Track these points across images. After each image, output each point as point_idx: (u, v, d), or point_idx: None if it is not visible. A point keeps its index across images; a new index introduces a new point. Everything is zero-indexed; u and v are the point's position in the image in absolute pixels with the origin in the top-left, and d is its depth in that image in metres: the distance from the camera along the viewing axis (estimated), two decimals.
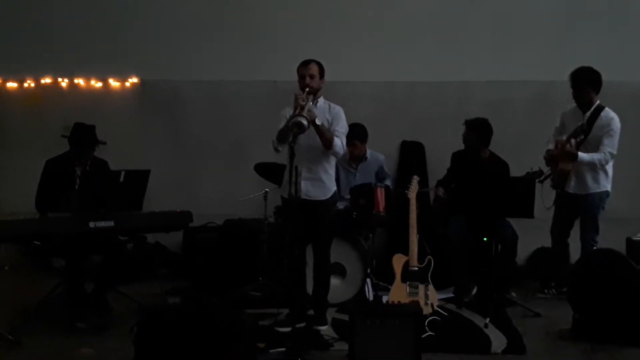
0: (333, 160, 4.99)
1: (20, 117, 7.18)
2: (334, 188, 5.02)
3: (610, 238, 5.67)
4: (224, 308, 4.67)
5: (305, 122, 4.36)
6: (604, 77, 5.53)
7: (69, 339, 4.70)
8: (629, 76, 6.60)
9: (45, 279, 5.39)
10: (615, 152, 5.44)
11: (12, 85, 7.23)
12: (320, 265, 5.00)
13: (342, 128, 4.87)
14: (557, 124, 5.80)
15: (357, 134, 6.05)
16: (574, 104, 5.63)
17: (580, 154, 5.37)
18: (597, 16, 6.84)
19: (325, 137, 4.68)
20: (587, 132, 5.44)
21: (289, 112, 4.65)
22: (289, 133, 4.48)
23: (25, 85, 7.22)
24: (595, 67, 5.53)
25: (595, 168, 5.46)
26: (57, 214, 4.91)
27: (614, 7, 6.86)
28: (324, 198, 4.90)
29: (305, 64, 4.83)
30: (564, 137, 5.51)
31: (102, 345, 4.59)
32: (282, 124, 4.68)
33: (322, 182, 4.89)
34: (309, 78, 4.77)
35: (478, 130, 5.82)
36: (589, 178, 5.51)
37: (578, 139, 5.41)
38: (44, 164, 5.26)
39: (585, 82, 5.49)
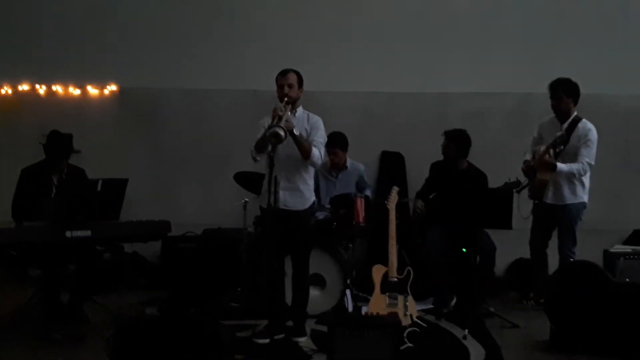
0: (312, 171, 4.97)
1: None
2: (313, 198, 5.00)
3: (587, 249, 5.69)
4: (202, 319, 4.63)
5: (282, 133, 4.35)
6: (581, 90, 5.57)
7: (44, 350, 4.63)
8: (605, 89, 6.67)
9: (21, 289, 5.30)
10: (592, 162, 5.47)
11: None
12: (299, 276, 4.97)
13: (320, 138, 4.85)
14: (534, 135, 5.83)
15: (338, 142, 6.06)
16: (552, 115, 5.67)
17: (558, 164, 5.41)
18: (574, 30, 6.91)
19: (304, 147, 4.66)
20: (565, 142, 5.48)
21: (267, 121, 4.62)
22: (267, 143, 4.47)
23: (2, 92, 7.12)
24: (574, 79, 5.57)
25: (573, 179, 5.49)
26: (33, 222, 4.85)
27: (591, 21, 6.92)
28: (302, 208, 4.87)
29: (284, 73, 4.81)
30: (542, 148, 5.54)
31: (77, 356, 4.55)
32: (260, 134, 4.65)
33: (301, 192, 4.87)
34: (288, 87, 4.75)
35: (457, 141, 5.84)
36: (565, 189, 5.54)
37: (557, 149, 5.44)
38: (19, 172, 5.19)
39: (564, 92, 5.53)
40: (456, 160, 5.87)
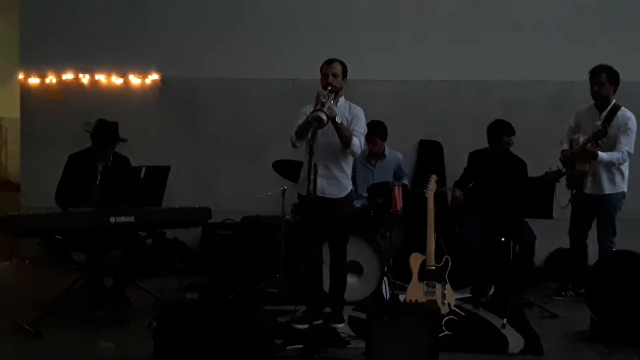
0: (350, 160, 4.96)
1: (43, 113, 7.23)
2: (350, 187, 5.01)
3: (627, 239, 5.62)
4: (242, 304, 4.67)
5: (324, 117, 4.38)
6: (621, 78, 5.48)
7: (88, 332, 4.72)
8: None
9: (66, 273, 5.41)
10: (632, 151, 5.39)
11: (34, 81, 7.26)
12: (336, 263, 4.99)
13: (361, 128, 4.86)
14: (571, 123, 5.73)
15: (377, 131, 6.03)
16: (590, 103, 5.59)
17: (600, 153, 5.31)
18: (615, 17, 6.76)
19: (344, 135, 4.67)
20: (606, 135, 5.38)
21: (309, 109, 4.64)
22: (308, 128, 4.51)
23: (47, 81, 7.26)
24: (615, 67, 5.48)
25: (612, 168, 5.41)
26: (78, 208, 4.93)
27: (633, 8, 6.77)
28: (339, 196, 4.88)
29: (329, 62, 4.83)
30: (582, 138, 5.45)
31: (121, 338, 4.61)
32: (301, 121, 4.68)
33: (338, 181, 4.88)
34: (332, 77, 4.76)
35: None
36: (604, 179, 5.46)
37: (600, 142, 5.32)
38: (66, 159, 5.28)
39: (607, 78, 5.44)
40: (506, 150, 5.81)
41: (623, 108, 5.45)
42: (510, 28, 6.85)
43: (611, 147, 5.38)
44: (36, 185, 6.87)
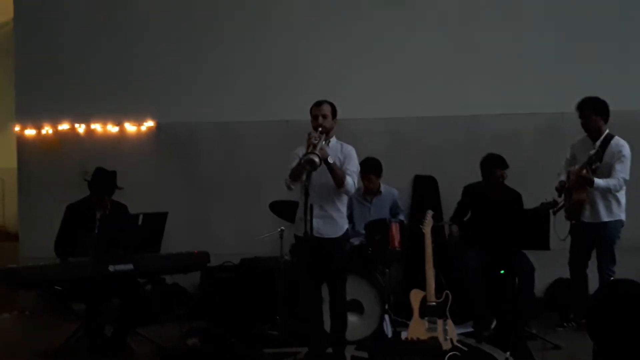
0: (345, 199, 4.97)
1: (39, 163, 7.24)
2: (346, 226, 5.01)
3: (627, 267, 5.60)
4: (243, 349, 4.64)
5: (317, 160, 4.41)
6: (612, 107, 5.55)
7: None
8: (637, 105, 6.58)
9: (66, 323, 5.38)
10: (627, 177, 5.43)
11: (30, 132, 7.30)
12: (336, 303, 4.96)
13: (354, 167, 4.89)
14: (567, 156, 5.80)
15: (372, 167, 6.07)
16: (583, 135, 5.64)
17: (596, 179, 5.35)
18: (603, 47, 6.85)
19: (337, 175, 4.70)
20: (601, 158, 5.42)
21: (301, 151, 4.67)
22: (302, 171, 4.53)
23: (43, 131, 7.28)
24: (604, 97, 5.55)
25: (608, 196, 5.44)
26: (77, 258, 4.93)
27: (620, 39, 6.86)
28: (335, 236, 4.88)
29: (318, 104, 4.87)
30: (577, 167, 5.49)
31: None
32: (294, 163, 4.70)
33: (334, 220, 4.88)
34: (322, 118, 4.80)
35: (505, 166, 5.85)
36: (602, 207, 5.48)
37: (594, 166, 5.37)
38: (63, 209, 5.29)
39: (592, 111, 5.52)
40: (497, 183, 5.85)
41: (616, 137, 5.51)
42: (499, 61, 6.93)
43: (607, 176, 5.42)
44: (34, 235, 6.86)
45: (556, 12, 6.93)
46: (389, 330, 5.50)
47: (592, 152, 5.36)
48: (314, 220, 4.52)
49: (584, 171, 5.35)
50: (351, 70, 7.02)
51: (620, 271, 5.50)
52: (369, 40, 7.09)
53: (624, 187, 5.46)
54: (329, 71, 6.98)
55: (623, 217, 5.52)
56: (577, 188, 5.45)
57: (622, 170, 5.41)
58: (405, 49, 7.05)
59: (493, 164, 5.87)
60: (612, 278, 5.42)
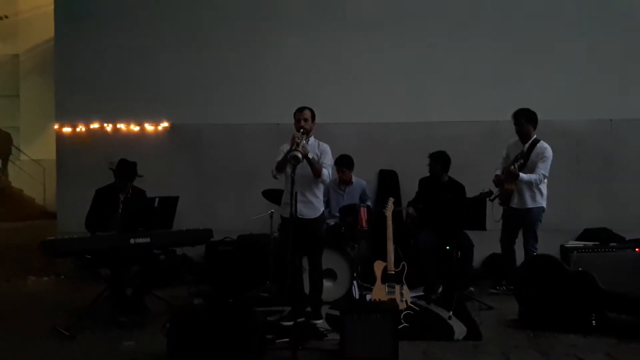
0: (321, 187, 5.00)
1: (74, 155, 7.19)
2: (322, 208, 5.04)
3: (547, 245, 5.69)
4: (240, 307, 4.67)
5: (300, 156, 4.43)
6: (540, 117, 5.63)
7: (114, 334, 4.70)
8: (559, 116, 6.66)
9: (94, 286, 5.37)
10: (547, 174, 5.51)
11: (67, 129, 7.25)
12: (314, 271, 5.02)
13: (328, 161, 4.92)
14: (503, 154, 5.86)
15: (346, 162, 6.12)
16: (516, 138, 5.71)
17: (521, 174, 5.45)
18: (536, 66, 6.90)
19: (315, 168, 4.73)
20: (526, 158, 5.51)
21: (286, 147, 4.70)
22: (286, 164, 4.56)
23: (78, 129, 7.24)
24: (533, 108, 5.64)
25: (532, 187, 5.52)
26: (104, 233, 4.93)
27: (551, 58, 6.91)
28: (314, 217, 4.92)
29: (301, 110, 4.89)
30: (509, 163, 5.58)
31: (140, 338, 4.60)
32: (280, 157, 4.73)
33: (313, 204, 4.92)
34: (304, 121, 4.83)
35: (440, 160, 5.89)
36: (527, 196, 5.56)
37: (518, 163, 5.48)
38: (93, 192, 5.28)
39: (525, 119, 5.59)
40: (440, 176, 5.91)
41: (542, 141, 5.59)
42: (450, 78, 6.95)
43: (532, 172, 5.51)
44: (69, 214, 6.82)
45: (496, 37, 6.95)
46: (356, 293, 5.54)
47: (518, 152, 5.47)
48: (297, 204, 4.56)
49: (512, 167, 5.45)
50: (330, 83, 7.02)
51: (541, 248, 5.59)
52: (346, 59, 7.09)
53: (545, 181, 5.54)
54: (312, 83, 6.97)
55: (544, 204, 5.60)
56: (508, 180, 5.54)
57: (544, 168, 5.49)
58: (374, 67, 7.06)
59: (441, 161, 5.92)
60: (535, 253, 5.50)
